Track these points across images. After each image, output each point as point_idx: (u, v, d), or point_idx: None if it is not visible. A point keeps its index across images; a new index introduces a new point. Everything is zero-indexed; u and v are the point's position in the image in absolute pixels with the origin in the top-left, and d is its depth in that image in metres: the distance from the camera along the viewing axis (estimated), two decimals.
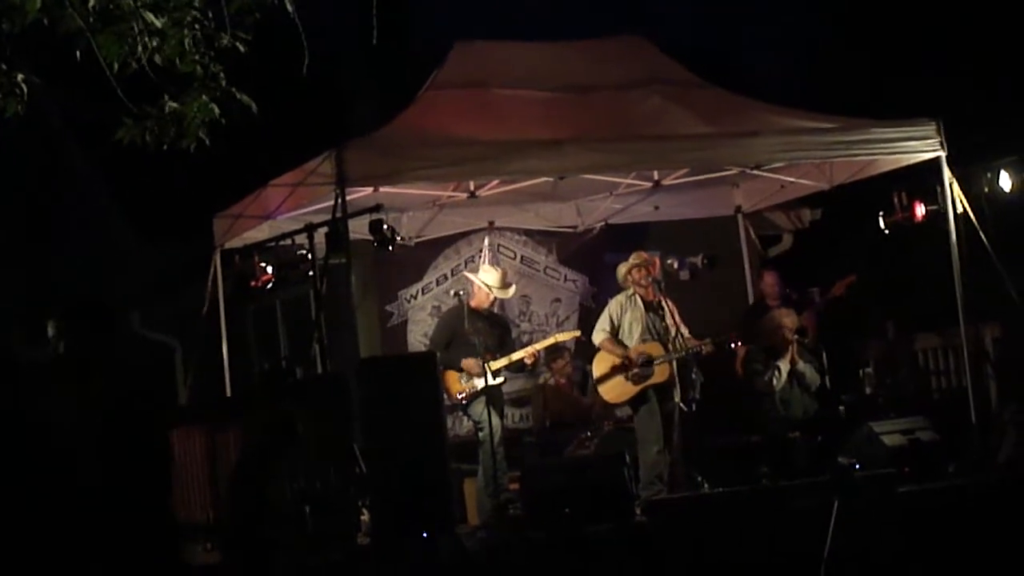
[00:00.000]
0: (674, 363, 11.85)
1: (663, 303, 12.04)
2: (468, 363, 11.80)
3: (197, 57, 7.52)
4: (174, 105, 7.86)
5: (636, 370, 11.84)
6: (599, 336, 12.05)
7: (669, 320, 11.94)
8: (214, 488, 11.07)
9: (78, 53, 7.33)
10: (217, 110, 7.81)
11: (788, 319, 12.71)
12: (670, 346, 11.88)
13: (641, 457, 11.69)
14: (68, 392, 6.26)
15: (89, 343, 6.39)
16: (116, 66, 7.33)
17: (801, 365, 12.56)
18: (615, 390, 11.99)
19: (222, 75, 7.73)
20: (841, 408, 12.83)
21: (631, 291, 12.11)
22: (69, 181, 16.75)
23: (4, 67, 7.53)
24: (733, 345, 12.56)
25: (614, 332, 12.03)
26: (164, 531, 6.28)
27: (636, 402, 11.90)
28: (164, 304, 15.90)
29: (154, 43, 7.18)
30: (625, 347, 11.95)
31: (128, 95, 7.52)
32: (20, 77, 7.56)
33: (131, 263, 16.51)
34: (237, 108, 7.88)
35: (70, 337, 6.43)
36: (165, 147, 8.07)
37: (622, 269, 12.16)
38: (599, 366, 12.09)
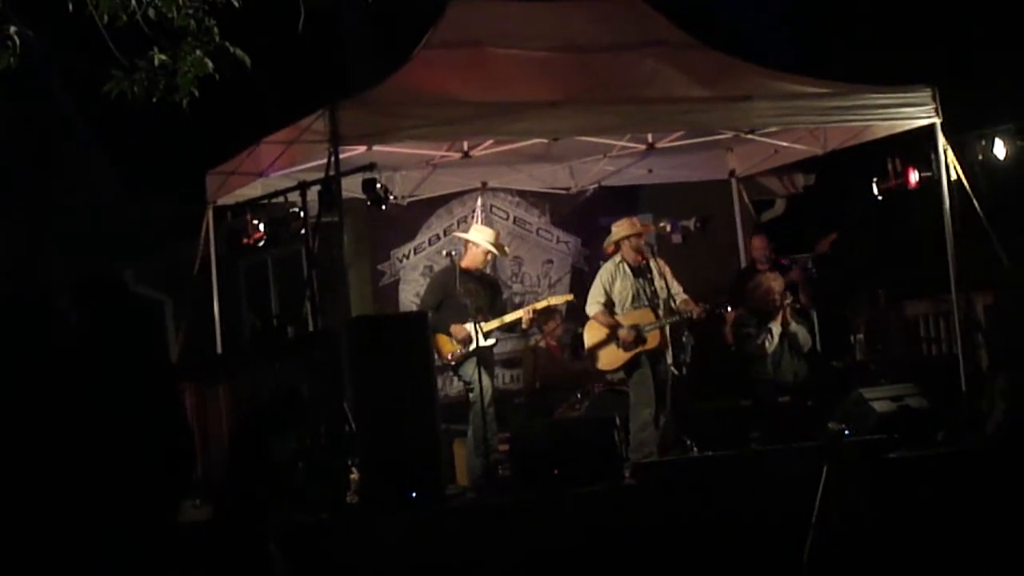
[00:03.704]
0: (666, 328, 11.89)
1: (651, 265, 12.05)
2: (457, 329, 11.78)
3: (191, 11, 7.47)
4: (163, 57, 7.81)
5: (628, 338, 11.87)
6: (593, 308, 12.10)
7: (659, 283, 11.97)
8: (204, 444, 11.08)
9: (70, 5, 7.28)
10: (211, 65, 7.76)
11: (776, 283, 12.75)
12: (660, 310, 11.92)
13: (632, 420, 11.73)
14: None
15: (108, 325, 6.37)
16: (107, 18, 7.27)
17: (794, 326, 12.60)
18: (608, 357, 12.05)
19: (216, 29, 7.68)
20: (832, 373, 12.84)
21: (618, 259, 12.15)
22: (61, 135, 16.68)
23: None
24: (723, 311, 12.59)
25: (607, 303, 12.06)
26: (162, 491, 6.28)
27: (629, 367, 11.96)
28: (154, 260, 15.87)
29: None
30: (616, 318, 11.98)
31: (122, 49, 7.48)
32: (13, 29, 7.51)
33: (121, 218, 16.46)
34: (231, 63, 7.84)
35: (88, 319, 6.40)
36: (155, 100, 8.03)
37: (615, 237, 12.17)
38: (591, 335, 12.15)
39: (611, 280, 12.11)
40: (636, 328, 11.87)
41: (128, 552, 6.05)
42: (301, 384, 9.38)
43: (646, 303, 12.00)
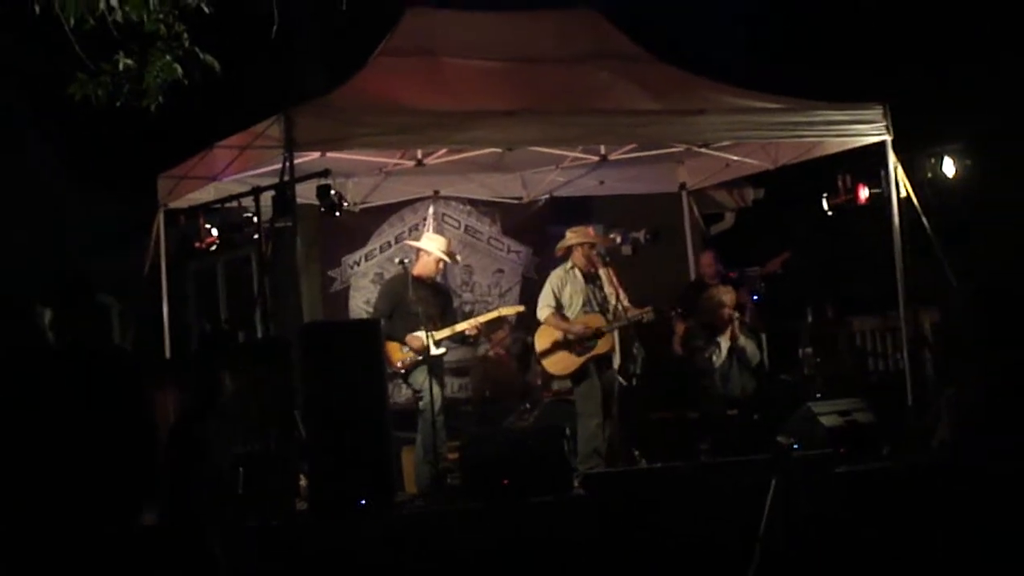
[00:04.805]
0: (615, 334, 11.93)
1: (600, 272, 12.10)
2: (412, 338, 11.76)
3: (161, 16, 7.44)
4: (128, 62, 7.79)
5: (579, 343, 11.89)
6: (544, 312, 12.11)
7: (608, 288, 12.03)
8: None
9: (36, 8, 7.23)
10: (180, 70, 7.74)
11: (727, 296, 12.82)
12: (610, 315, 11.96)
13: (580, 430, 11.75)
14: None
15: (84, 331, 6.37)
16: (73, 21, 7.24)
17: (742, 340, 12.68)
18: (560, 363, 12.06)
19: (185, 35, 7.66)
20: (780, 387, 12.92)
21: (569, 264, 12.18)
22: (11, 135, 16.55)
23: None
24: (673, 313, 12.66)
25: (558, 307, 12.09)
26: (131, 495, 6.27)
27: (577, 376, 11.97)
28: (101, 262, 15.75)
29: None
30: (569, 321, 12.00)
31: (88, 52, 7.44)
32: None
33: (71, 219, 16.35)
34: (198, 68, 7.82)
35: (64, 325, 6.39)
36: (119, 104, 8.00)
37: (568, 241, 12.20)
38: (542, 340, 12.14)
39: (561, 285, 12.15)
40: (591, 329, 11.89)
41: (91, 556, 6.04)
42: (222, 384, 9.31)
43: (596, 308, 12.04)
